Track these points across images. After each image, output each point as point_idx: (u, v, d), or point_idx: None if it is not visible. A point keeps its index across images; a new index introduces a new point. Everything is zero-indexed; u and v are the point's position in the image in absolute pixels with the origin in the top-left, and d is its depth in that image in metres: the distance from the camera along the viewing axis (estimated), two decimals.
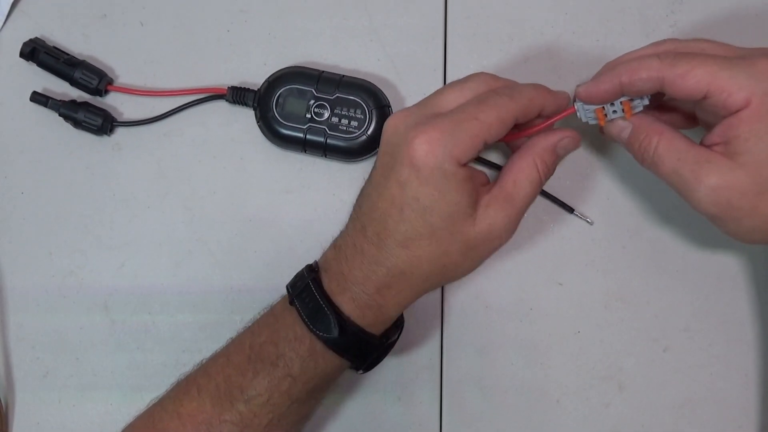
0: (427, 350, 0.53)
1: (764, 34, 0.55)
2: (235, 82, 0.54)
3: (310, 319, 0.43)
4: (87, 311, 0.54)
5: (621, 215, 0.53)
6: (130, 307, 0.54)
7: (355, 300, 0.44)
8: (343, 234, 0.46)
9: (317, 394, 0.46)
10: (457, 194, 0.42)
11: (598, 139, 0.53)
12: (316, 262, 0.46)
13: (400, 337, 0.48)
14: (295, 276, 0.47)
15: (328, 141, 0.52)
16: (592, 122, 0.46)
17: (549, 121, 0.46)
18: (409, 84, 0.55)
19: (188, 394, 0.45)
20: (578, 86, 0.45)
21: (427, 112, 0.43)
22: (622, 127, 0.45)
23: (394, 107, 0.53)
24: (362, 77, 0.54)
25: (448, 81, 0.55)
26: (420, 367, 0.53)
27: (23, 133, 0.56)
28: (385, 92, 0.53)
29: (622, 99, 0.44)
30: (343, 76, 0.53)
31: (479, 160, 0.52)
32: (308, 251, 0.54)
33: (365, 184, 0.46)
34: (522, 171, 0.44)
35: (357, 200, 0.46)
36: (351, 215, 0.46)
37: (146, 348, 0.54)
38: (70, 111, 0.54)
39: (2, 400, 0.53)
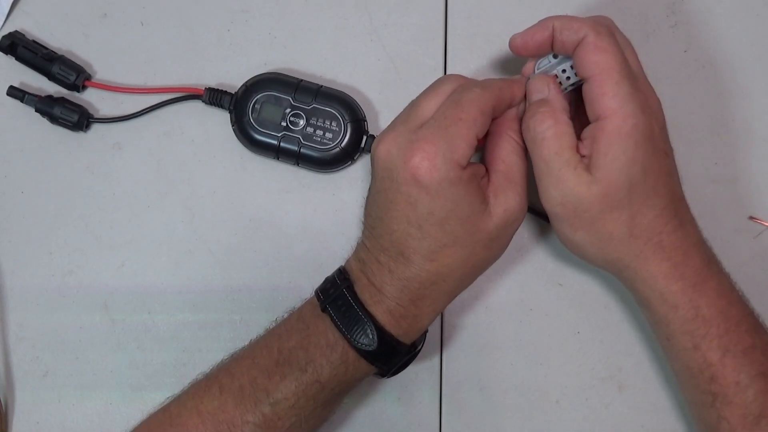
0: (427, 350, 0.53)
1: (765, 34, 0.55)
2: (235, 82, 0.54)
3: (347, 328, 0.43)
4: (87, 311, 0.54)
5: None
6: (129, 307, 0.54)
7: (391, 312, 0.44)
8: (363, 248, 0.45)
9: (341, 398, 0.47)
10: (468, 196, 0.42)
11: None
12: (345, 269, 0.46)
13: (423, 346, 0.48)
14: (326, 281, 0.46)
15: (301, 150, 0.52)
16: None
17: None
18: (409, 84, 0.55)
19: (209, 392, 0.45)
20: (513, 36, 0.46)
21: (412, 127, 0.43)
22: (542, 87, 0.45)
23: (384, 119, 0.53)
24: (361, 78, 0.54)
25: None
26: (420, 367, 0.53)
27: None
28: (379, 96, 0.53)
29: (573, 63, 0.45)
30: (321, 86, 0.53)
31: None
32: (308, 251, 0.54)
33: (369, 207, 0.45)
34: (503, 148, 0.45)
35: (366, 222, 0.46)
36: (365, 233, 0.46)
37: (146, 348, 0.54)
38: (46, 106, 0.54)
39: (2, 399, 0.53)
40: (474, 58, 0.55)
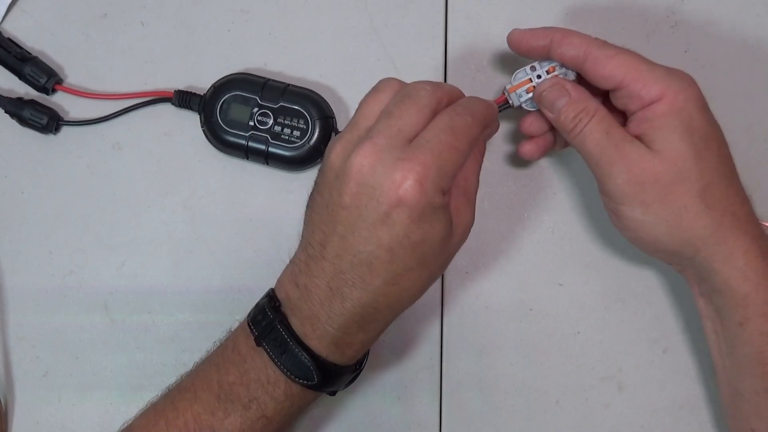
0: (427, 350, 0.53)
1: (765, 34, 0.55)
2: None
3: (286, 366, 0.41)
4: (87, 311, 0.54)
5: None
6: (130, 307, 0.54)
7: (336, 342, 0.41)
8: (309, 274, 0.42)
9: (292, 425, 0.45)
10: (445, 219, 0.40)
11: None
12: (276, 297, 0.43)
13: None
14: (256, 309, 0.44)
15: (269, 149, 0.52)
16: (525, 104, 0.47)
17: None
18: None
19: (157, 427, 0.43)
20: (513, 30, 0.47)
21: (399, 144, 0.40)
22: (560, 94, 0.45)
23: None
24: (361, 78, 0.54)
25: (448, 81, 0.55)
26: (420, 367, 0.53)
27: None
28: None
29: (551, 68, 0.46)
30: (289, 84, 0.53)
31: None
32: None
33: (321, 222, 0.42)
34: (468, 166, 0.43)
35: (314, 237, 0.42)
36: (309, 251, 0.42)
37: (146, 348, 0.54)
38: (15, 108, 0.54)
39: (2, 399, 0.53)
40: (474, 58, 0.55)
